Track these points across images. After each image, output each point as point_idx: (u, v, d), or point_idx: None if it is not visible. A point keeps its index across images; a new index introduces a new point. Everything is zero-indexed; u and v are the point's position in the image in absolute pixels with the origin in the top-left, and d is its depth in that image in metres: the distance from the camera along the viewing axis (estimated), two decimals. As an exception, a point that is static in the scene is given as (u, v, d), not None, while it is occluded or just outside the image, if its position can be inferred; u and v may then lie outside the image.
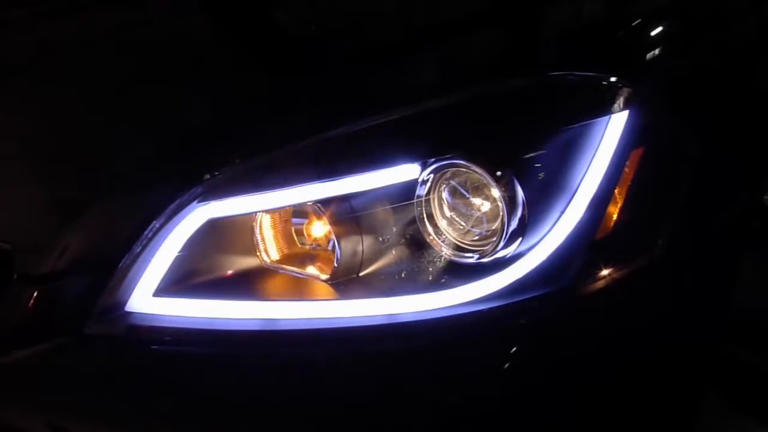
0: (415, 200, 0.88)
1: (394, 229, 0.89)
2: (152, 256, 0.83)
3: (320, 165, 0.85)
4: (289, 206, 0.90)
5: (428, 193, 0.88)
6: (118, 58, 1.17)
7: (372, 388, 0.81)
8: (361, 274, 0.88)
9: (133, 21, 1.32)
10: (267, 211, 0.91)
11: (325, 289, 0.87)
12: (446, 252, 0.88)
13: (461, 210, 0.88)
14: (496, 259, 0.85)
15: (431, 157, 0.85)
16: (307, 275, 0.90)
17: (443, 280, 0.86)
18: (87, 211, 0.87)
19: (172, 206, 0.83)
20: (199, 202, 0.83)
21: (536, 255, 0.86)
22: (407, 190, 0.88)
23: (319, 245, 0.93)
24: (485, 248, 0.85)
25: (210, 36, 1.26)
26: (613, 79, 0.92)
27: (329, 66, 0.99)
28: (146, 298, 0.84)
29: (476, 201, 0.87)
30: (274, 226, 0.93)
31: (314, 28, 1.21)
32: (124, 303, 0.83)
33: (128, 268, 0.83)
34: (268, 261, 0.92)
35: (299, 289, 0.89)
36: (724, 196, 1.10)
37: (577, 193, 0.87)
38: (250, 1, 1.38)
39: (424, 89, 0.92)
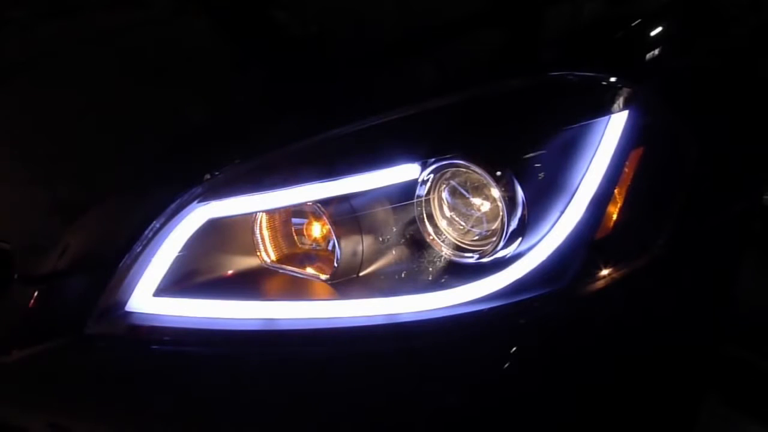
0: (415, 200, 0.88)
1: (394, 229, 0.89)
2: (152, 256, 0.83)
3: (320, 165, 0.85)
4: (289, 206, 0.89)
5: (428, 193, 0.88)
6: (118, 58, 1.17)
7: (372, 388, 0.81)
8: (361, 274, 0.88)
9: (133, 21, 1.32)
10: (267, 211, 0.91)
11: (325, 289, 0.87)
12: (446, 252, 0.88)
13: (461, 210, 0.88)
14: (496, 259, 0.85)
15: (431, 157, 0.85)
16: (307, 275, 0.90)
17: (443, 280, 0.86)
18: (87, 211, 0.87)
19: (172, 206, 0.83)
20: (199, 202, 0.83)
21: (536, 255, 0.86)
22: (407, 190, 0.88)
23: (318, 245, 0.93)
24: (485, 248, 0.85)
25: (210, 36, 1.26)
26: (613, 79, 0.92)
27: (329, 66, 0.99)
28: (146, 298, 0.84)
29: (476, 201, 0.87)
30: (274, 227, 0.93)
31: (314, 28, 1.21)
32: (124, 303, 0.83)
33: (128, 268, 0.83)
34: (268, 261, 0.92)
35: (299, 289, 0.89)
36: (724, 196, 1.10)
37: (577, 193, 0.87)
38: (250, 1, 1.38)
39: (424, 89, 0.92)
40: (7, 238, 0.86)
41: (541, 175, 0.87)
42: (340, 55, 1.04)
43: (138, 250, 0.82)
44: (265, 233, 0.92)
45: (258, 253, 0.92)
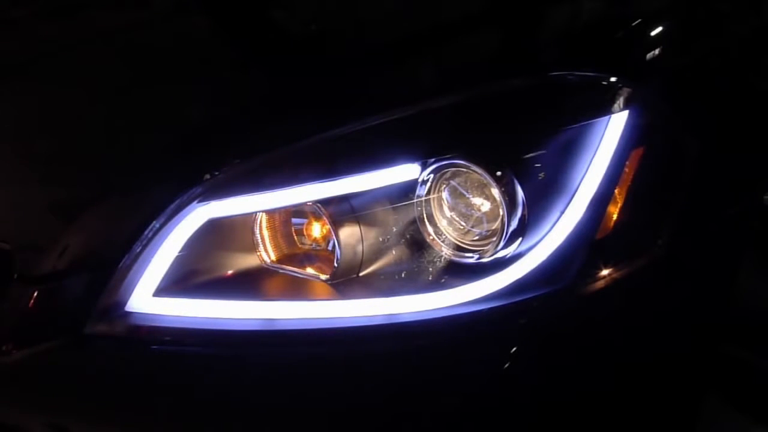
0: (415, 200, 0.88)
1: (394, 229, 0.89)
2: (152, 256, 0.83)
3: (320, 165, 0.85)
4: (289, 206, 0.89)
5: (428, 193, 0.88)
6: (118, 58, 1.17)
7: (372, 388, 0.81)
8: (361, 274, 0.88)
9: (133, 21, 1.32)
10: (267, 211, 0.91)
11: (325, 289, 0.87)
12: (446, 252, 0.88)
13: (461, 210, 0.88)
14: (496, 259, 0.85)
15: (431, 157, 0.85)
16: (307, 275, 0.90)
17: (443, 280, 0.86)
18: (87, 211, 0.87)
19: (172, 206, 0.83)
20: (199, 202, 0.83)
21: (536, 255, 0.86)
22: (407, 190, 0.88)
23: (319, 245, 0.93)
24: (485, 248, 0.85)
25: (210, 36, 1.26)
26: (613, 79, 0.92)
27: (329, 66, 0.99)
28: (146, 298, 0.84)
29: (476, 201, 0.87)
30: (274, 226, 0.93)
31: (314, 28, 1.21)
32: (124, 303, 0.83)
33: (128, 268, 0.82)
34: (268, 261, 0.92)
35: (299, 289, 0.89)
36: (724, 196, 1.10)
37: (577, 193, 0.87)
38: (250, 1, 1.38)
39: (424, 89, 0.92)
40: (7, 238, 0.86)
41: (541, 175, 0.87)
42: (340, 54, 1.04)
43: (138, 250, 0.82)
44: (265, 233, 0.92)
45: (258, 253, 0.92)
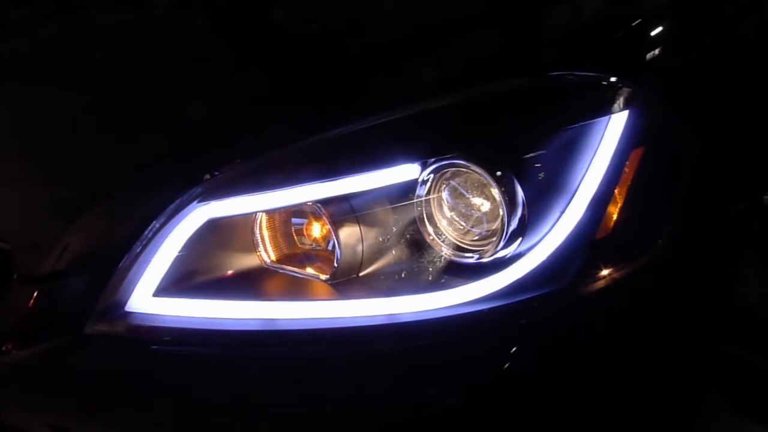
0: (415, 200, 0.88)
1: (394, 229, 0.89)
2: (152, 256, 0.83)
3: (320, 165, 0.85)
4: (289, 206, 0.89)
5: (428, 193, 0.88)
6: (118, 58, 1.17)
7: (372, 388, 0.81)
8: (361, 274, 0.88)
9: (133, 21, 1.32)
10: (267, 211, 0.91)
11: (325, 289, 0.87)
12: (446, 252, 0.88)
13: (461, 210, 0.88)
14: (496, 259, 0.85)
15: (431, 157, 0.85)
16: (307, 275, 0.90)
17: (443, 280, 0.86)
18: (87, 211, 0.87)
19: (172, 206, 0.83)
20: (199, 202, 0.83)
21: (536, 255, 0.86)
22: (407, 190, 0.88)
23: (318, 245, 0.93)
24: (485, 248, 0.85)
25: (210, 36, 1.26)
26: (613, 79, 0.92)
27: (329, 66, 0.99)
28: (146, 298, 0.84)
29: (476, 201, 0.87)
30: (274, 226, 0.93)
31: (314, 28, 1.21)
32: (124, 303, 0.83)
33: (128, 268, 0.82)
34: (268, 261, 0.92)
35: (299, 289, 0.88)
36: (724, 195, 1.10)
37: (577, 193, 0.87)
38: (250, 1, 1.38)
39: (424, 89, 0.92)
40: (7, 238, 0.86)
41: (541, 175, 0.87)
42: (340, 54, 1.04)
43: (138, 250, 0.82)
44: (265, 233, 0.92)
45: (258, 253, 0.92)
